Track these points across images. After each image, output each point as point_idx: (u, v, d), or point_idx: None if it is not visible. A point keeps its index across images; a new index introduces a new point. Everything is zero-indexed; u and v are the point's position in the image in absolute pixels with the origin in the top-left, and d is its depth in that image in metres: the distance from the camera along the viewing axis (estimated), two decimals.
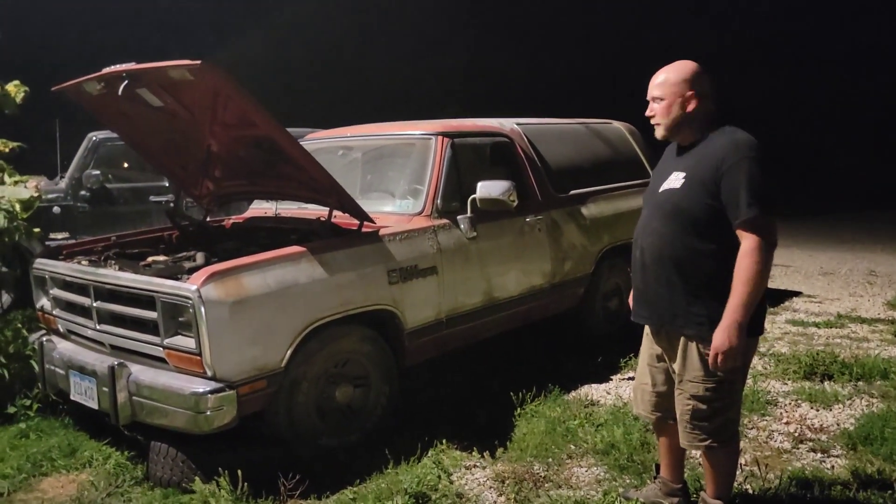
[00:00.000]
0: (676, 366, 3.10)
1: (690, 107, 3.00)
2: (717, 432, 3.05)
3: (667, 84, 3.04)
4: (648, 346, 3.32)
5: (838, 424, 4.54)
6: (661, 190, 3.10)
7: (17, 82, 5.85)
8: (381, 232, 4.45)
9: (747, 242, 2.79)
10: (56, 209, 8.06)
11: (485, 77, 26.23)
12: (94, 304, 4.22)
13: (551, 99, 20.38)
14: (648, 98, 3.11)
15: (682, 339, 3.04)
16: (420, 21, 25.64)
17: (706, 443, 3.07)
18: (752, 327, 3.01)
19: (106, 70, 4.07)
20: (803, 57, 26.52)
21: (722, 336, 2.79)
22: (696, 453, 3.96)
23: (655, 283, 3.09)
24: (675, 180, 3.03)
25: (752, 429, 4.47)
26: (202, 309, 3.56)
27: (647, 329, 3.32)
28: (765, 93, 25.56)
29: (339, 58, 25.12)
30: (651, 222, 3.12)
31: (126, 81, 3.99)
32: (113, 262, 4.56)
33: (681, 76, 3.02)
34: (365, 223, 4.45)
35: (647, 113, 3.12)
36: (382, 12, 25.79)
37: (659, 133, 3.12)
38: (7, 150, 5.80)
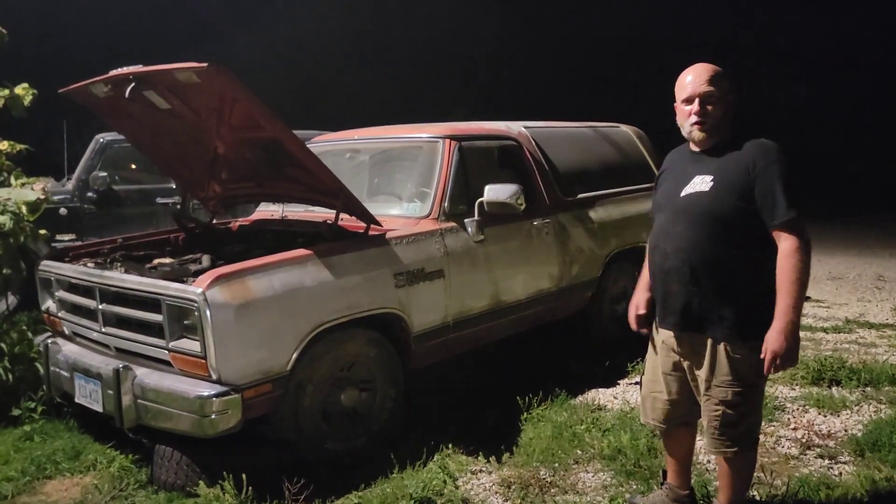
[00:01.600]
0: (702, 371, 3.05)
1: (732, 104, 2.99)
2: (742, 438, 3.04)
3: (716, 81, 2.96)
4: (664, 354, 3.24)
5: (846, 430, 4.51)
6: (683, 194, 3.04)
7: (25, 85, 5.85)
8: (388, 235, 4.44)
9: (789, 243, 2.79)
10: (63, 211, 8.07)
11: (498, 79, 26.25)
12: (100, 307, 4.22)
13: (565, 100, 20.36)
14: (693, 95, 2.98)
15: (710, 343, 3.00)
16: (429, 24, 25.65)
17: (733, 449, 3.05)
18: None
19: (113, 72, 4.07)
20: (811, 60, 26.47)
21: (779, 338, 2.77)
22: (706, 459, 3.94)
23: (682, 288, 3.04)
24: (701, 184, 2.98)
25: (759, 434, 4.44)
26: (207, 312, 3.55)
27: (659, 337, 3.26)
28: (774, 97, 25.52)
29: (348, 60, 25.14)
30: (674, 227, 3.06)
31: (133, 84, 3.99)
32: (119, 264, 4.56)
33: (720, 75, 2.98)
34: (372, 226, 4.44)
35: (696, 110, 2.98)
36: (391, 14, 25.81)
37: (700, 133, 3.01)
38: (15, 151, 5.80)
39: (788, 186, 2.80)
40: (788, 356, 2.78)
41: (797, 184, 2.82)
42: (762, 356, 2.83)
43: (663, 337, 3.23)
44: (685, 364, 3.15)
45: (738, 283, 2.91)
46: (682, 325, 3.10)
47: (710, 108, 2.97)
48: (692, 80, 3.01)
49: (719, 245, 2.93)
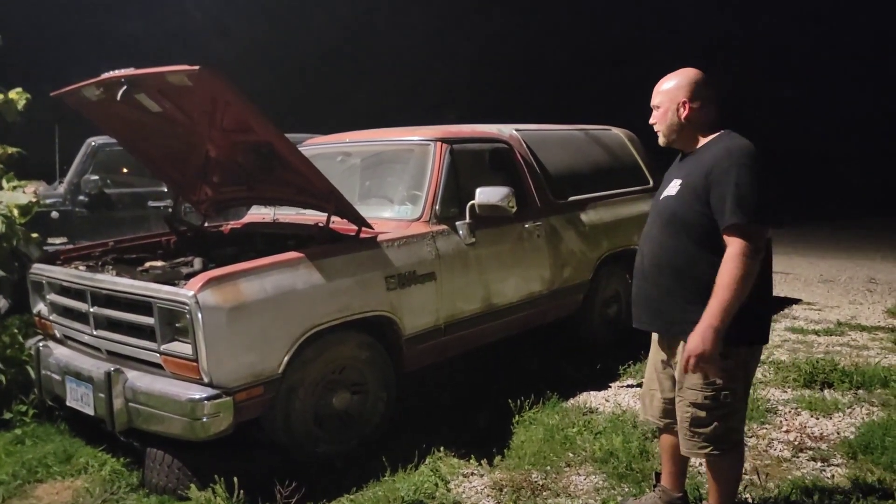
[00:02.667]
0: (676, 372, 3.09)
1: (683, 114, 3.03)
2: (717, 440, 3.03)
3: (663, 91, 3.09)
4: (655, 351, 3.31)
5: (838, 433, 4.52)
6: (661, 197, 3.13)
7: (19, 89, 5.84)
8: (380, 238, 4.44)
9: (731, 248, 2.78)
10: (54, 214, 8.05)
11: (491, 82, 26.27)
12: (91, 310, 4.20)
13: (557, 102, 20.39)
14: (651, 104, 3.15)
15: (681, 345, 3.02)
16: (420, 27, 25.68)
17: (706, 450, 3.05)
18: (756, 335, 3.00)
19: (105, 75, 4.06)
20: (805, 63, 26.57)
21: (695, 339, 2.78)
22: (699, 462, 3.95)
23: (654, 289, 3.10)
24: (673, 187, 3.05)
25: (751, 437, 4.45)
26: (199, 315, 3.54)
27: (654, 335, 3.31)
28: (767, 99, 25.60)
29: (339, 63, 25.15)
30: (651, 229, 3.15)
31: (125, 87, 3.99)
32: (110, 267, 4.55)
33: (677, 84, 3.06)
34: (363, 229, 4.43)
35: (650, 120, 3.16)
36: (382, 17, 25.84)
37: (660, 140, 3.17)
38: (7, 155, 5.79)
39: (740, 190, 2.78)
40: (702, 358, 2.77)
41: (757, 188, 2.79)
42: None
43: (654, 335, 3.28)
44: (670, 362, 3.18)
45: (705, 288, 2.88)
46: (653, 325, 3.17)
47: (657, 114, 3.11)
48: (655, 89, 3.14)
49: (686, 249, 2.96)
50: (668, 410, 3.29)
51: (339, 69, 25.08)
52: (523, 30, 27.57)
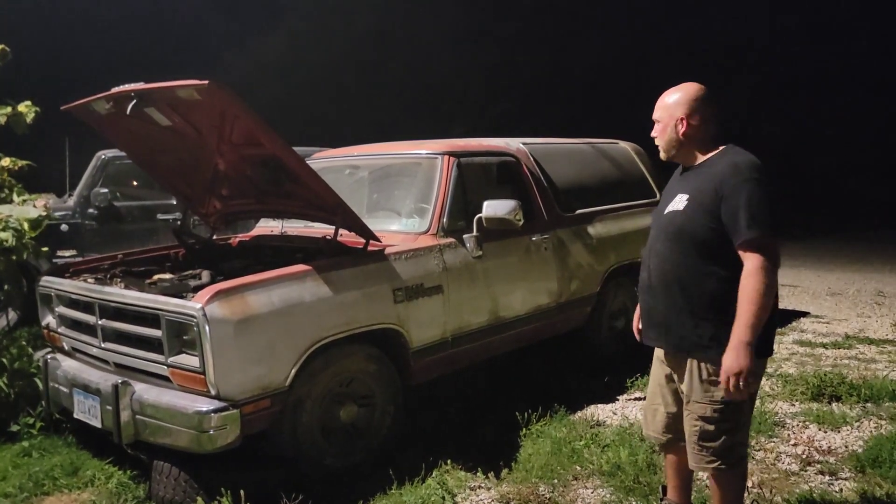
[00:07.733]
0: (684, 386, 3.08)
1: (682, 130, 3.04)
2: (724, 454, 3.03)
3: (663, 106, 3.11)
4: (659, 367, 3.30)
5: (846, 447, 4.50)
6: (665, 212, 3.11)
7: (28, 102, 5.87)
8: (387, 251, 4.45)
9: (750, 263, 2.77)
10: (64, 227, 8.10)
11: (498, 96, 26.34)
12: (100, 322, 4.22)
13: (565, 116, 20.43)
14: (654, 118, 3.17)
15: (689, 359, 3.02)
16: (428, 42, 25.77)
17: (714, 464, 3.05)
18: (761, 348, 2.99)
19: (115, 89, 4.09)
20: (812, 77, 26.57)
21: (731, 357, 2.75)
22: (705, 475, 3.94)
23: (661, 304, 3.09)
24: (679, 202, 3.03)
25: (759, 450, 4.44)
26: (206, 327, 3.55)
27: (657, 350, 3.30)
28: (775, 113, 25.59)
29: (348, 77, 25.25)
30: (656, 244, 3.13)
31: (134, 101, 4.01)
32: (119, 279, 4.57)
33: (677, 99, 3.07)
34: (371, 242, 4.45)
35: (652, 133, 3.18)
36: (392, 32, 25.94)
37: (661, 153, 3.19)
38: (16, 168, 5.82)
39: (752, 205, 2.78)
40: (741, 375, 2.72)
41: (768, 202, 2.80)
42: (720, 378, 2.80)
43: (657, 350, 3.27)
44: (676, 376, 3.17)
45: (713, 303, 2.91)
46: (661, 340, 3.16)
47: (657, 128, 3.13)
48: (658, 102, 3.15)
49: (694, 264, 2.95)
50: (671, 425, 3.29)
51: (351, 82, 25.19)
52: (536, 44, 27.65)
